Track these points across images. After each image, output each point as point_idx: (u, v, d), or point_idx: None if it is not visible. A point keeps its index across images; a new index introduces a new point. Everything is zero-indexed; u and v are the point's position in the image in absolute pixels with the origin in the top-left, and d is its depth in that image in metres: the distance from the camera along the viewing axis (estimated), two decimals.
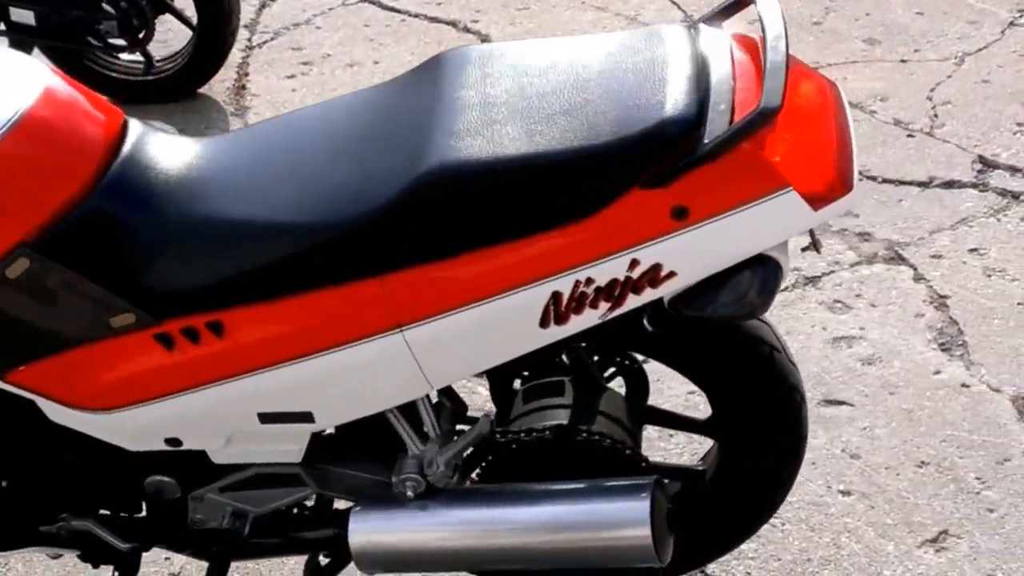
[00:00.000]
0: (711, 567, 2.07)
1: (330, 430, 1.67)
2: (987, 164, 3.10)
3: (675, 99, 1.39)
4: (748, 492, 1.76)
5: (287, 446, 1.61)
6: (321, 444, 1.65)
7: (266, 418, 1.54)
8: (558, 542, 1.60)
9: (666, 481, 1.64)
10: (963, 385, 2.46)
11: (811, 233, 1.56)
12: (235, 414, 1.55)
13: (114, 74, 3.61)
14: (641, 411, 1.80)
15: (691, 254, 1.42)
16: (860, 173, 1.46)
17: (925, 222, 2.93)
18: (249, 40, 3.93)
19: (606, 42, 1.52)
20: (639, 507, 1.55)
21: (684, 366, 1.67)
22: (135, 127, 1.56)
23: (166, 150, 1.55)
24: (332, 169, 1.46)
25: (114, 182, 1.48)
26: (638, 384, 1.82)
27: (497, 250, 1.40)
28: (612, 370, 1.80)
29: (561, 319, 1.44)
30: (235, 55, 3.76)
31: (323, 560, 1.80)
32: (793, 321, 2.64)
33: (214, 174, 1.52)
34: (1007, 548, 2.11)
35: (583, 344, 1.68)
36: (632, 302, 1.45)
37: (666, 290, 1.46)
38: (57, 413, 1.56)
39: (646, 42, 1.49)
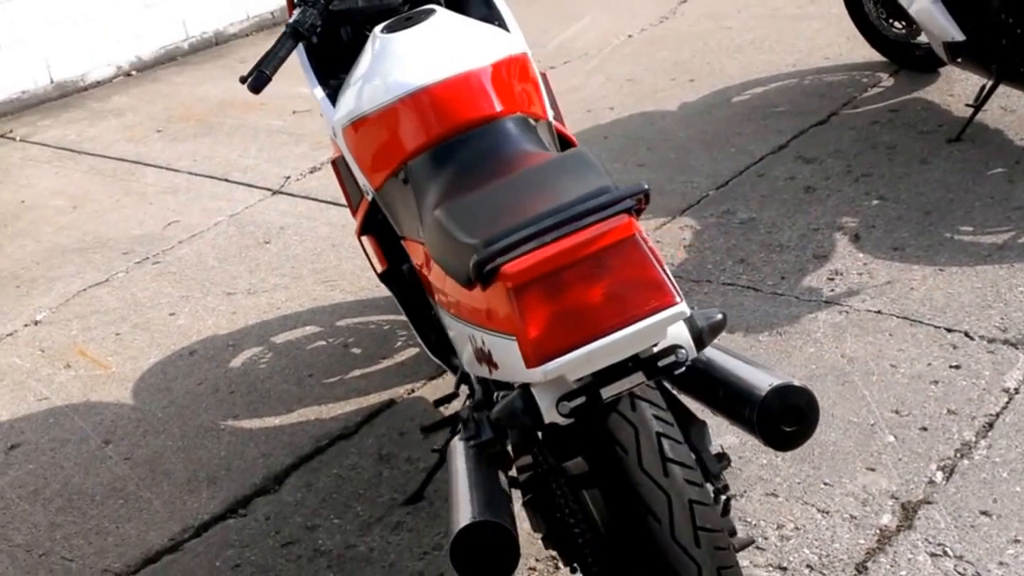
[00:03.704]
0: None
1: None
2: None
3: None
4: None
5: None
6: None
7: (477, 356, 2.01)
8: None
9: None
10: None
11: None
12: (466, 348, 2.02)
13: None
14: None
15: (496, 355, 1.70)
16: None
17: None
18: None
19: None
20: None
21: None
22: (504, 123, 2.18)
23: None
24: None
25: (451, 145, 2.15)
26: None
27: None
28: None
29: (479, 363, 1.84)
30: None
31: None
32: None
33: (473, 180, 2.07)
34: None
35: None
36: (496, 373, 1.76)
37: (502, 376, 1.75)
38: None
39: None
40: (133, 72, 6.29)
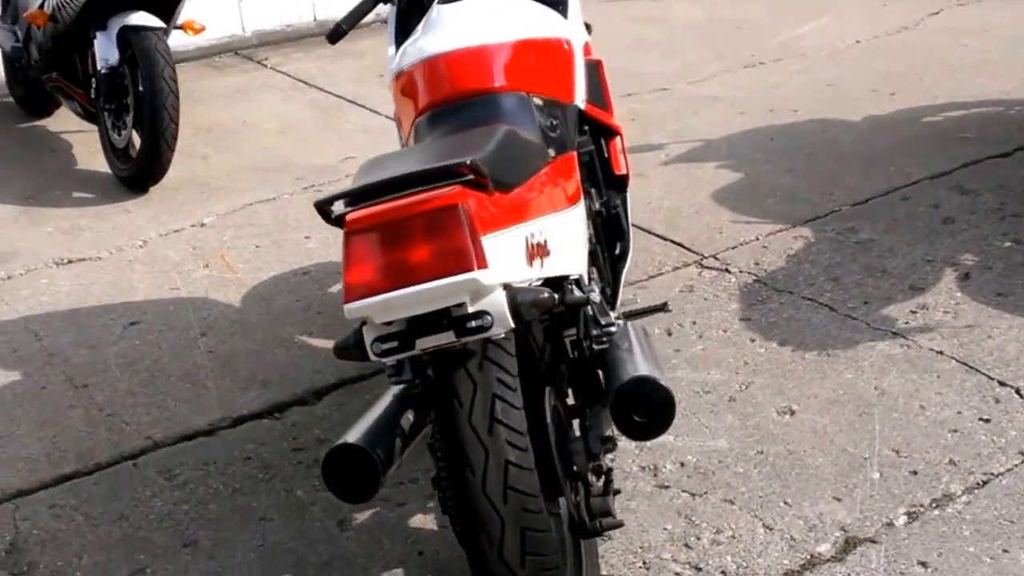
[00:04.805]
0: None
1: None
2: None
3: None
4: None
5: None
6: None
7: None
8: None
9: None
10: None
11: None
12: None
13: None
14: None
15: None
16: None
17: None
18: None
19: None
20: None
21: None
22: (500, 98, 2.33)
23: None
24: None
25: (448, 110, 2.33)
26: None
27: None
28: None
29: None
30: None
31: None
32: None
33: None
34: None
35: None
36: None
37: None
38: None
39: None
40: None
